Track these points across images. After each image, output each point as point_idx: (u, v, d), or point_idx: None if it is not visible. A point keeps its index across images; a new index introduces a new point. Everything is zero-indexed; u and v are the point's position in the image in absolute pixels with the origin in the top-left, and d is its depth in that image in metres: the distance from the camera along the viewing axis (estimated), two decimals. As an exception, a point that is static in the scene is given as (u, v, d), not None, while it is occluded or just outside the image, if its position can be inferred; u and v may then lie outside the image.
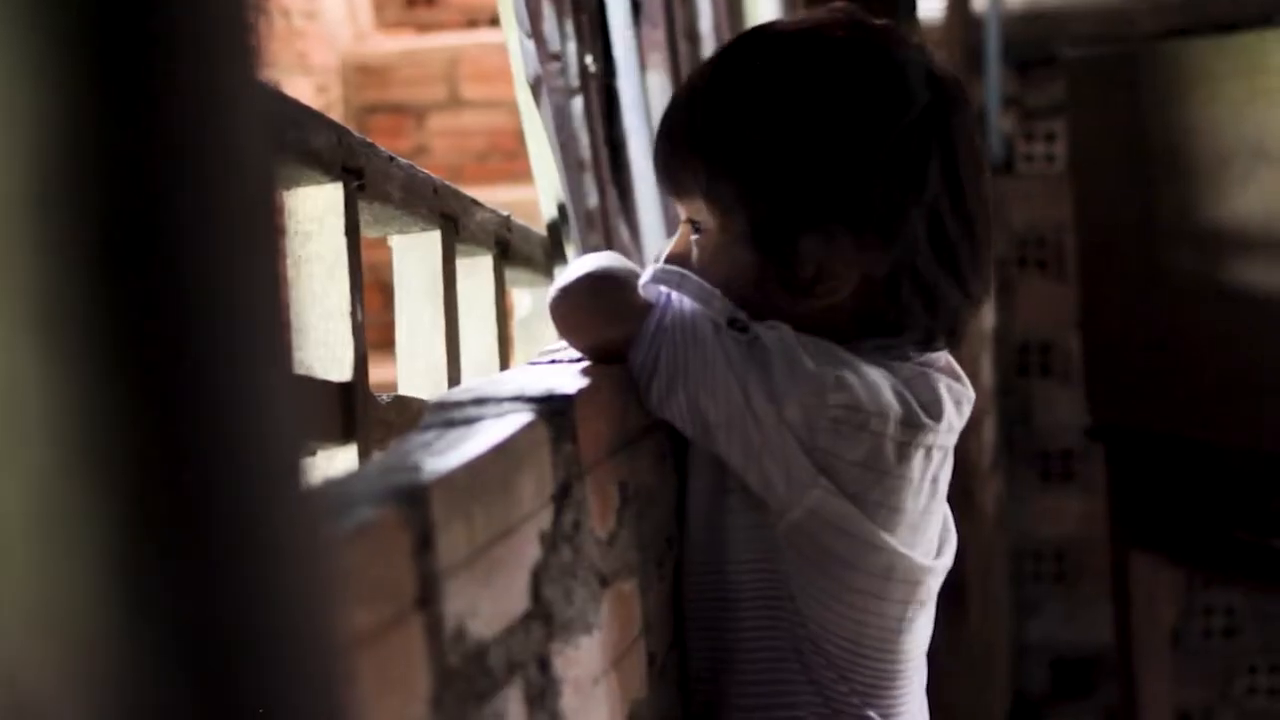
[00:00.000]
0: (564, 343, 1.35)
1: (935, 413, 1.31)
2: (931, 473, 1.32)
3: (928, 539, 1.34)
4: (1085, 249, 3.61)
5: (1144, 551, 3.53)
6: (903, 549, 1.30)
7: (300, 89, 4.21)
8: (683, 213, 1.40)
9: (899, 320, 1.33)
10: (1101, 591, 3.93)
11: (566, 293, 1.31)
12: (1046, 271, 4.24)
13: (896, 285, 1.32)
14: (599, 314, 1.30)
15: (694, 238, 1.37)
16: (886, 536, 1.29)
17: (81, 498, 0.45)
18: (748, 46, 1.40)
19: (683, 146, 1.37)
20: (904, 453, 1.28)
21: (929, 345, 1.35)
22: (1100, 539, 3.76)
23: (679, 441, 1.36)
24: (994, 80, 4.07)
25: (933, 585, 1.36)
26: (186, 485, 0.48)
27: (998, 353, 4.21)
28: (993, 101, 4.08)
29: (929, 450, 1.31)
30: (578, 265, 1.34)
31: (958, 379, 1.36)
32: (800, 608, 1.30)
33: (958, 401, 1.34)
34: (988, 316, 4.06)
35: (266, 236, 0.52)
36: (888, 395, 1.27)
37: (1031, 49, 4.14)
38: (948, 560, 1.37)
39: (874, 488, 1.27)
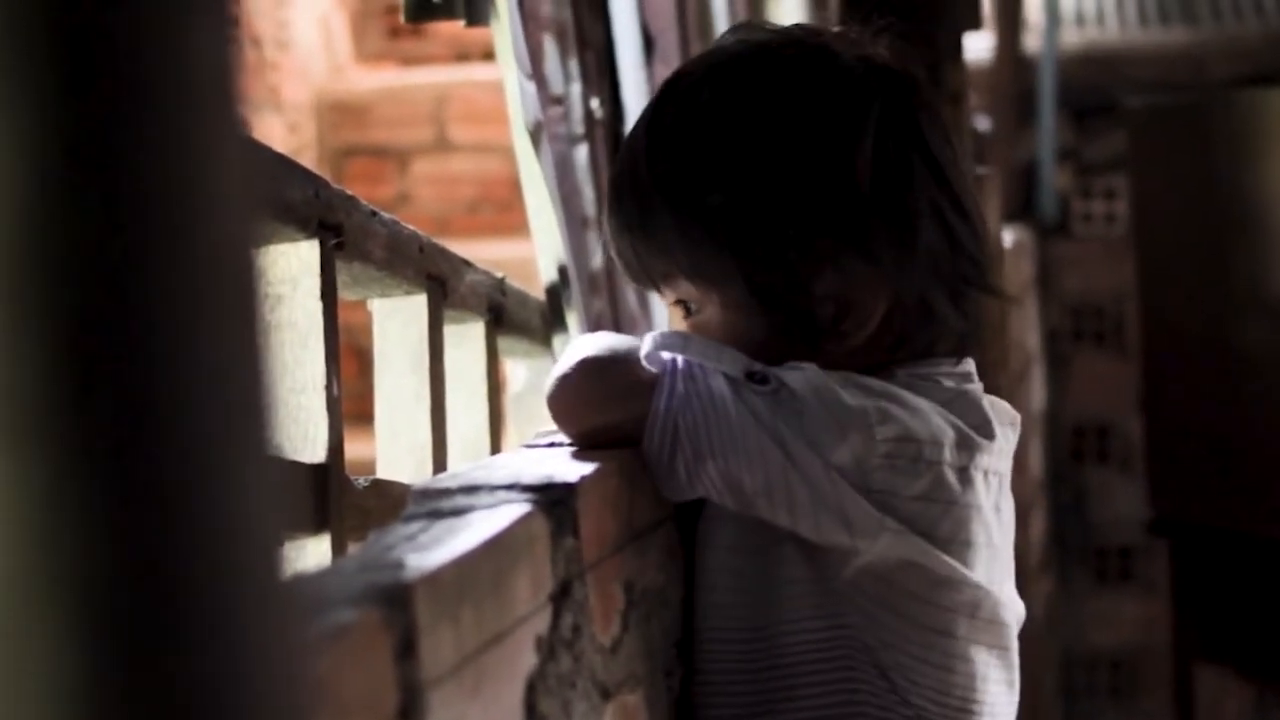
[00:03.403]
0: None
1: (987, 432, 1.32)
2: (993, 501, 1.33)
3: (1006, 577, 1.35)
4: (1148, 321, 3.62)
5: (1210, 662, 3.52)
6: (986, 585, 1.31)
7: (270, 129, 4.24)
8: (666, 299, 1.40)
9: (929, 336, 1.35)
10: (1162, 706, 3.92)
11: (565, 381, 1.31)
12: (1104, 345, 4.25)
13: (929, 295, 1.34)
14: (603, 397, 1.31)
15: (691, 318, 1.37)
16: (966, 572, 1.29)
17: (41, 605, 0.46)
18: (669, 101, 1.40)
19: (648, 230, 1.37)
20: (966, 478, 1.30)
21: (962, 352, 1.37)
22: (1161, 647, 3.76)
23: (685, 511, 1.36)
24: (1048, 130, 4.08)
25: (1013, 637, 1.36)
26: (153, 590, 0.49)
27: (1049, 436, 4.22)
28: (1046, 154, 4.10)
29: (986, 474, 1.32)
30: (571, 351, 1.34)
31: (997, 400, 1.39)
32: (879, 660, 1.30)
33: (1002, 422, 1.36)
34: (1037, 395, 4.07)
35: (247, 310, 0.53)
36: (937, 420, 1.29)
37: (1090, 96, 4.16)
38: (1021, 610, 1.38)
39: (942, 521, 1.28)
